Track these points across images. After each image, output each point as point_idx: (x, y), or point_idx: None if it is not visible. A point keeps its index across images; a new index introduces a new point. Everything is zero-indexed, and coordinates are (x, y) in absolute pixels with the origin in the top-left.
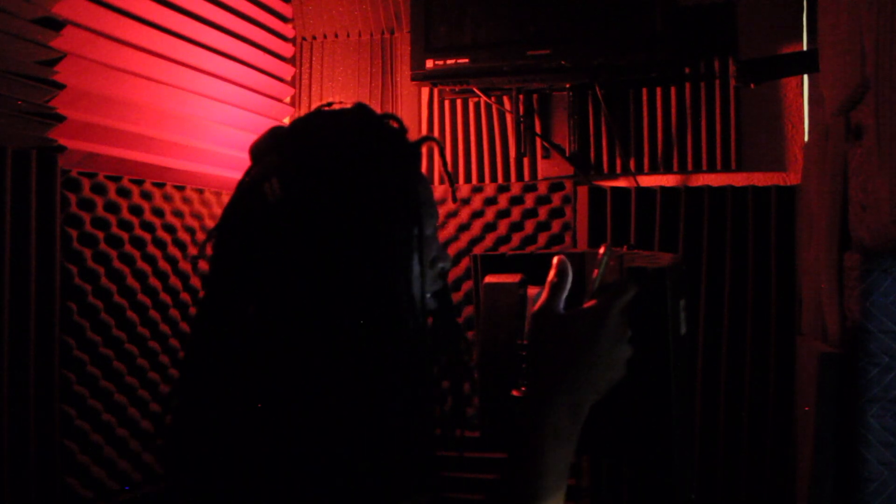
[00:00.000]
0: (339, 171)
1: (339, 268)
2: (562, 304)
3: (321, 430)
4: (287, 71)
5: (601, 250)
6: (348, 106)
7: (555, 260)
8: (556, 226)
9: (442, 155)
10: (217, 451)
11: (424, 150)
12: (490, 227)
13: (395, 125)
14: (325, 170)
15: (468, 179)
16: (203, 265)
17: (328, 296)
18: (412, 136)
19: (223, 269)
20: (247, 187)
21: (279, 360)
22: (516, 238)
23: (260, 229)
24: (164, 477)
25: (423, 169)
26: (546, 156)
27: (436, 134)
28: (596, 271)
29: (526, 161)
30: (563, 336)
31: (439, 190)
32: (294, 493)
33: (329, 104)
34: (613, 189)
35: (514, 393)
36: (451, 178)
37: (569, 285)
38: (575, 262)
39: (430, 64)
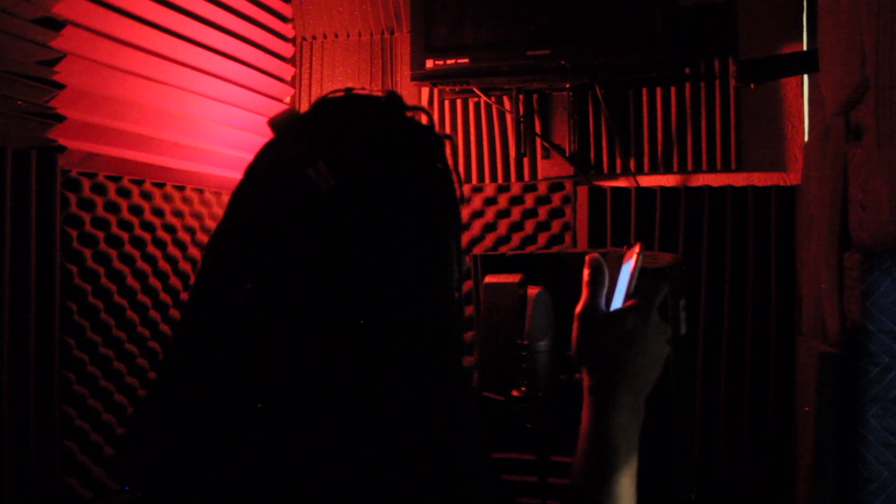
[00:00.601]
0: (390, 161)
1: (396, 261)
2: (603, 302)
3: (373, 430)
4: (287, 71)
5: (636, 249)
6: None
7: (588, 258)
8: (556, 226)
9: (454, 154)
10: (234, 450)
11: None
12: (490, 227)
13: (427, 117)
14: (378, 155)
15: (468, 179)
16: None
17: (385, 290)
18: None
19: (250, 263)
20: (278, 167)
21: (319, 357)
22: (516, 238)
23: (312, 219)
24: (145, 480)
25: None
26: (546, 156)
27: None
28: (632, 271)
29: (526, 161)
30: (615, 335)
31: None
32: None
33: (350, 89)
34: (613, 189)
35: (514, 393)
36: (459, 178)
37: (606, 282)
38: (574, 262)
39: (430, 64)
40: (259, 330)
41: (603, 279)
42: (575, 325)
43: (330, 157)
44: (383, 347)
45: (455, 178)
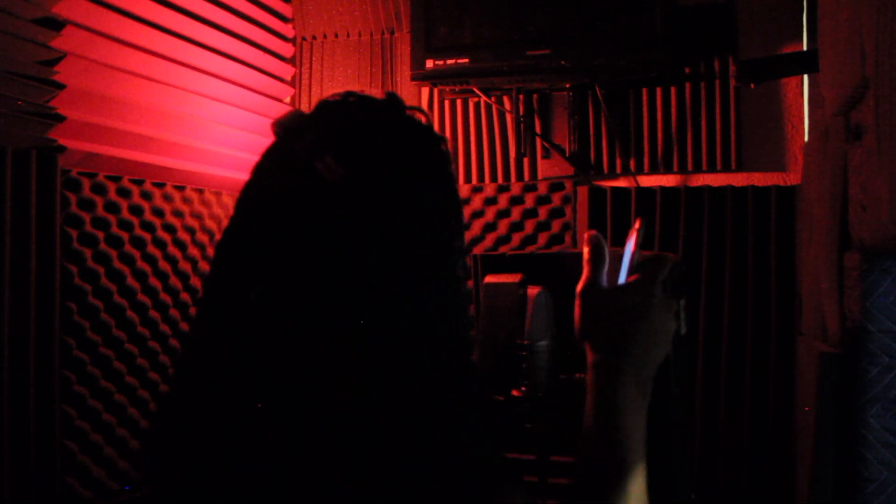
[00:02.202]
0: (396, 156)
1: (402, 254)
2: (604, 280)
3: (376, 428)
4: (287, 71)
5: (636, 225)
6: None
7: (587, 236)
8: (556, 226)
9: (452, 155)
10: (230, 449)
11: None
12: (490, 227)
13: (426, 120)
14: (386, 153)
15: (468, 179)
16: (204, 265)
17: (398, 283)
18: None
19: (264, 256)
20: (286, 164)
21: (329, 353)
22: (516, 238)
23: (319, 211)
24: (153, 477)
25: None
26: (546, 156)
27: None
28: (634, 246)
29: (526, 161)
30: (617, 310)
31: None
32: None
33: (350, 92)
34: (613, 189)
35: (514, 392)
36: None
37: (607, 259)
38: (574, 262)
39: (430, 64)
40: (270, 327)
41: (603, 257)
42: (577, 302)
43: (337, 152)
44: (389, 340)
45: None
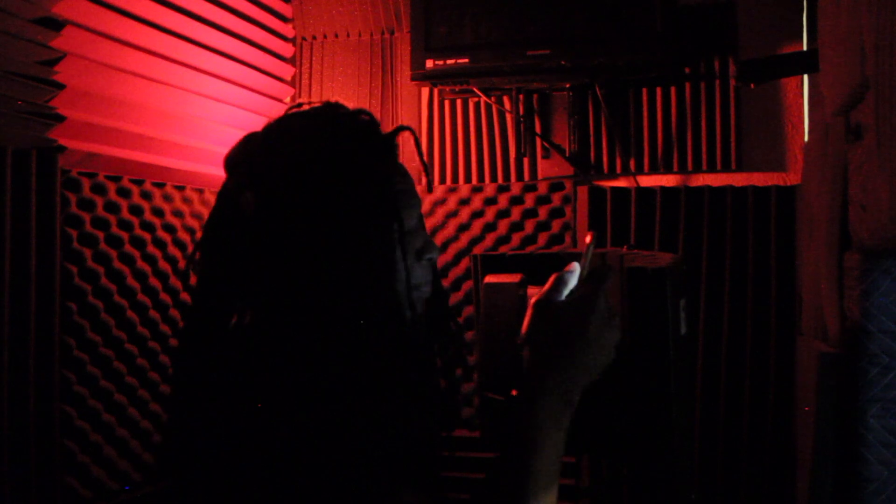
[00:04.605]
0: (310, 176)
1: (320, 273)
2: (562, 297)
3: (312, 429)
4: (287, 71)
5: (587, 239)
6: (318, 105)
7: (587, 237)
8: (556, 226)
9: (417, 145)
10: (216, 452)
11: (425, 145)
12: (490, 227)
13: (367, 119)
14: (295, 176)
15: (468, 179)
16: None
17: (312, 301)
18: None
19: (209, 279)
20: (224, 199)
21: (267, 364)
22: (516, 238)
23: (240, 241)
24: (163, 480)
25: (420, 164)
26: (546, 156)
27: (436, 134)
28: (584, 260)
29: (526, 161)
30: (556, 324)
31: (440, 190)
32: (290, 491)
33: (299, 105)
34: (613, 189)
35: (514, 393)
36: (427, 169)
37: (574, 281)
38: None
39: (430, 64)
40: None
41: (571, 278)
42: (528, 312)
43: (258, 183)
44: (322, 348)
45: (396, 177)
